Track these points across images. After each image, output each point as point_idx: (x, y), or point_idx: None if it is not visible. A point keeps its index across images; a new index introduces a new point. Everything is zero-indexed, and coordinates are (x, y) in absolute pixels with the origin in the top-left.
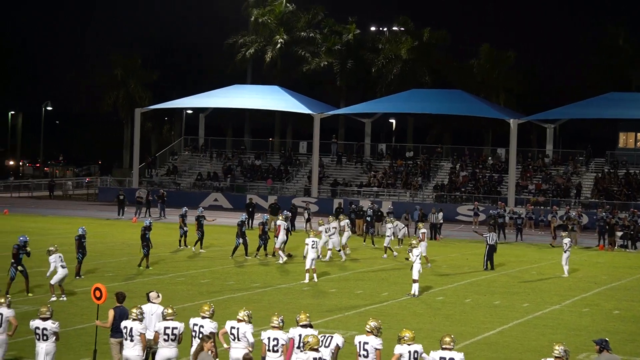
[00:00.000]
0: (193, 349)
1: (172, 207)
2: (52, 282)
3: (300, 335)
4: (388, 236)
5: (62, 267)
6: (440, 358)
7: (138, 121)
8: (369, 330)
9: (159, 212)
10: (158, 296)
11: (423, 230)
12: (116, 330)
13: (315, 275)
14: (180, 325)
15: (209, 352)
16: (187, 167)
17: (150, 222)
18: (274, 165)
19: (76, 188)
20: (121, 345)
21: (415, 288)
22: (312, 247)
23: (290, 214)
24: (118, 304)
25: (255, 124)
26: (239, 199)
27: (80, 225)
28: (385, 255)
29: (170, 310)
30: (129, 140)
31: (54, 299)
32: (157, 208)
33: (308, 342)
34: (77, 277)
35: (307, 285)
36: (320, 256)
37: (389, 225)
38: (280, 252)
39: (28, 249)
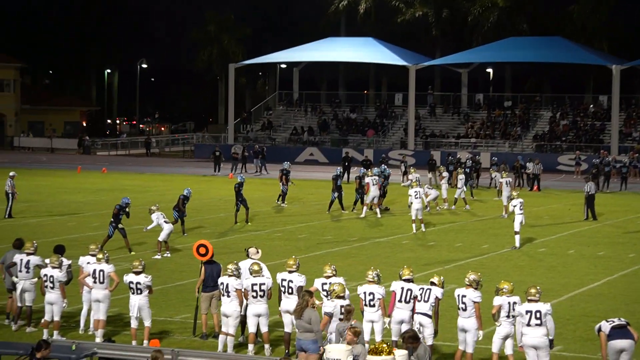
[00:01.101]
0: (285, 304)
1: (268, 162)
2: (160, 238)
3: (402, 289)
4: (506, 196)
5: (166, 222)
6: (527, 311)
7: (232, 77)
8: (468, 283)
9: (255, 168)
10: (257, 252)
11: (445, 173)
12: (206, 285)
13: (423, 225)
14: (268, 281)
15: (313, 307)
16: (282, 121)
17: (243, 178)
18: (370, 118)
19: (172, 145)
20: (211, 299)
21: (517, 240)
22: (416, 198)
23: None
24: (210, 259)
25: (349, 77)
26: (335, 153)
27: (179, 184)
28: (504, 214)
29: (257, 267)
30: (223, 96)
31: (158, 256)
32: (252, 164)
33: (334, 290)
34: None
35: (407, 238)
36: (429, 207)
37: (494, 175)
38: (365, 208)
39: (128, 209)
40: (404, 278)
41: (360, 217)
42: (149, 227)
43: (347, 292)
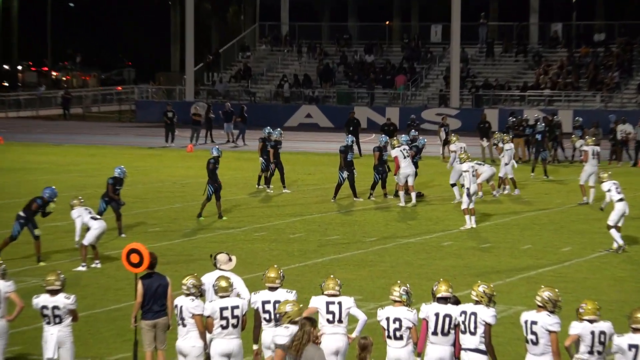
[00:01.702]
0: (267, 337)
1: (248, 128)
2: (86, 242)
3: (437, 315)
4: (590, 173)
5: (94, 219)
6: (631, 346)
7: (192, 3)
8: (540, 304)
9: (226, 136)
10: (230, 260)
11: (453, 147)
12: (147, 309)
13: (473, 218)
14: (243, 303)
15: (317, 341)
16: (264, 68)
17: (219, 151)
18: (394, 61)
19: (103, 103)
20: (155, 330)
21: (616, 238)
22: (473, 176)
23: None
24: (149, 271)
25: (363, 3)
26: (342, 113)
27: (113, 159)
28: (586, 200)
29: (226, 283)
30: (178, 31)
31: (82, 267)
32: (223, 130)
33: (285, 312)
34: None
35: (451, 237)
36: (481, 192)
37: (579, 143)
38: (400, 193)
39: (51, 207)
40: (439, 296)
41: (401, 206)
42: (76, 237)
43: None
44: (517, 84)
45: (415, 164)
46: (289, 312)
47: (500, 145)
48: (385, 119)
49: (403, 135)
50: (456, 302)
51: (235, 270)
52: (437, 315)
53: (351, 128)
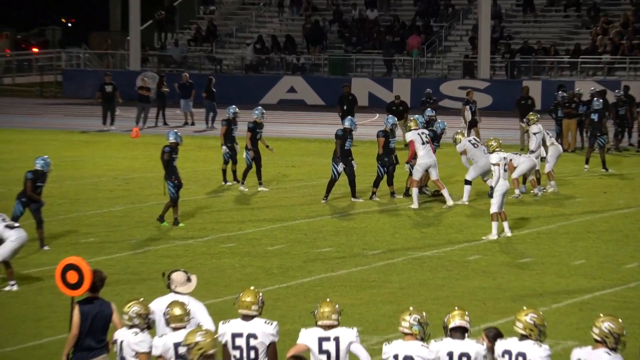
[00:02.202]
0: None
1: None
2: None
3: (450, 355)
4: None
5: (9, 227)
6: None
7: None
8: (598, 338)
9: (184, 116)
10: (188, 279)
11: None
12: (82, 346)
13: (506, 224)
14: (202, 341)
15: None
16: (234, 27)
17: (178, 137)
18: (404, 19)
19: (18, 73)
20: None
21: None
22: (505, 171)
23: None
24: (90, 295)
25: None
26: (336, 85)
27: (33, 147)
28: None
29: (178, 311)
30: None
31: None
32: (179, 110)
33: (195, 344)
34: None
35: (478, 248)
36: (519, 191)
37: None
38: (414, 192)
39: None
40: (452, 326)
41: (413, 208)
42: None
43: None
44: (566, 48)
45: (437, 139)
46: (200, 343)
47: (526, 126)
48: (392, 96)
49: (417, 116)
50: (497, 335)
51: (195, 293)
52: (450, 355)
53: (345, 107)
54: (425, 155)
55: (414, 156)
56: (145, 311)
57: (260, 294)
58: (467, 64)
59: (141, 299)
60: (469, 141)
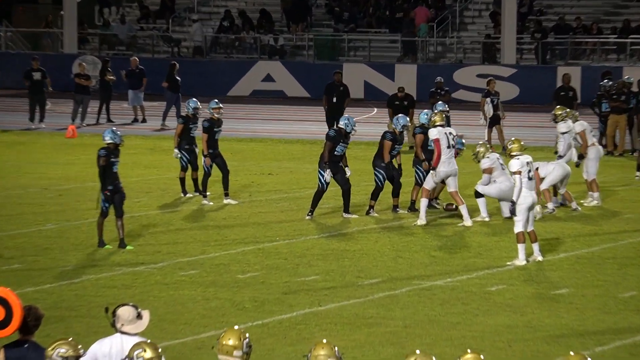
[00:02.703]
0: None
1: (160, 99)
2: None
3: None
4: None
5: None
6: None
7: None
8: None
9: (133, 111)
10: (138, 316)
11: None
12: None
13: (536, 246)
14: None
15: None
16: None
17: (118, 138)
18: None
19: None
20: None
21: None
22: (530, 179)
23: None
24: (21, 337)
25: None
26: (325, 74)
27: None
28: None
29: (149, 353)
30: None
31: None
32: (127, 103)
33: None
34: None
35: (501, 276)
36: (552, 204)
37: None
38: (423, 204)
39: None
40: None
41: (419, 225)
42: None
43: None
44: (612, 25)
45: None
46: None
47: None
48: (394, 87)
49: (425, 112)
50: None
51: (147, 333)
52: None
53: (335, 99)
54: (446, 162)
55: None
56: (74, 353)
57: (247, 337)
58: (487, 46)
59: (70, 339)
60: (498, 159)
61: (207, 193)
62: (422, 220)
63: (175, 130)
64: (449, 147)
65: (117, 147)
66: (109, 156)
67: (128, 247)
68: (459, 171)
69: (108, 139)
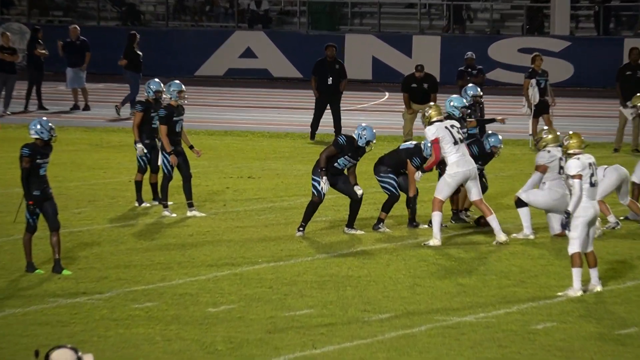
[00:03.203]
0: None
1: (108, 81)
2: None
3: None
4: None
5: None
6: None
7: None
8: None
9: (75, 95)
10: None
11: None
12: None
13: (594, 271)
14: None
15: None
16: None
17: (44, 129)
18: None
19: None
20: None
21: None
22: (592, 185)
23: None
24: None
25: None
26: (321, 46)
27: None
28: None
29: None
30: None
31: None
32: (66, 84)
33: None
34: None
35: (574, 307)
36: (615, 221)
37: None
38: (436, 219)
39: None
40: None
41: (431, 245)
42: None
43: None
44: None
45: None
46: None
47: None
48: (411, 65)
49: (454, 97)
50: None
51: None
52: None
53: (330, 80)
54: (460, 161)
55: (439, 163)
56: None
57: None
58: (532, 12)
59: None
60: (561, 159)
61: (169, 202)
62: (436, 240)
63: (133, 120)
64: (456, 142)
65: (47, 143)
66: (33, 156)
67: (65, 272)
68: (494, 174)
69: (33, 133)
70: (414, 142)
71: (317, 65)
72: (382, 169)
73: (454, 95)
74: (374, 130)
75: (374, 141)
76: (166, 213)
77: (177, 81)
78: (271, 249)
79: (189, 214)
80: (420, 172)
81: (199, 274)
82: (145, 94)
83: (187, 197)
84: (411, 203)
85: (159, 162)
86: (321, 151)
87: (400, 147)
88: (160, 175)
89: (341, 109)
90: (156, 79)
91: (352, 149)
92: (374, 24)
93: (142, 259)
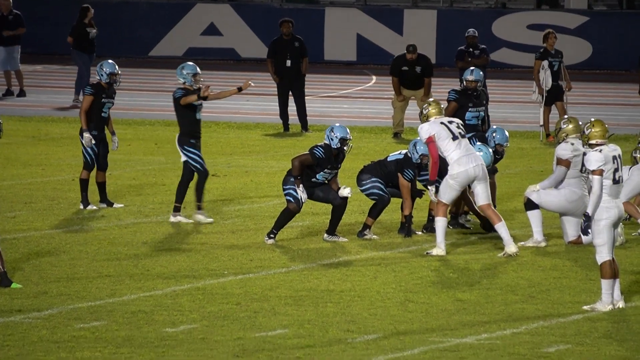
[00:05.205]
0: None
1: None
2: None
3: None
4: None
5: None
6: None
7: None
8: None
9: (7, 79)
10: None
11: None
12: None
13: (618, 283)
14: None
15: None
16: None
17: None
18: None
19: None
20: None
21: None
22: (616, 182)
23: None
24: None
25: None
26: (297, 21)
27: None
28: None
29: None
30: None
31: None
32: None
33: None
34: None
35: (591, 325)
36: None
37: None
38: (439, 225)
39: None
40: None
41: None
42: None
43: None
44: None
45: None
46: None
47: None
48: (402, 44)
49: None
50: None
51: None
52: None
53: (288, 61)
54: (462, 159)
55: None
56: None
57: None
58: None
59: None
60: (585, 154)
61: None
62: (439, 249)
63: (81, 106)
64: (455, 138)
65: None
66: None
67: (13, 286)
68: (502, 172)
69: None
70: (404, 152)
71: (273, 46)
72: (364, 177)
73: (453, 89)
74: (346, 127)
75: (349, 137)
76: (199, 217)
77: (111, 61)
78: (239, 259)
79: (101, 205)
80: (431, 189)
81: (155, 288)
82: (98, 78)
83: (100, 195)
84: (407, 223)
85: (182, 159)
86: (293, 157)
87: (389, 159)
88: (118, 173)
89: (306, 94)
90: (110, 60)
91: (331, 159)
92: None
93: (88, 270)
